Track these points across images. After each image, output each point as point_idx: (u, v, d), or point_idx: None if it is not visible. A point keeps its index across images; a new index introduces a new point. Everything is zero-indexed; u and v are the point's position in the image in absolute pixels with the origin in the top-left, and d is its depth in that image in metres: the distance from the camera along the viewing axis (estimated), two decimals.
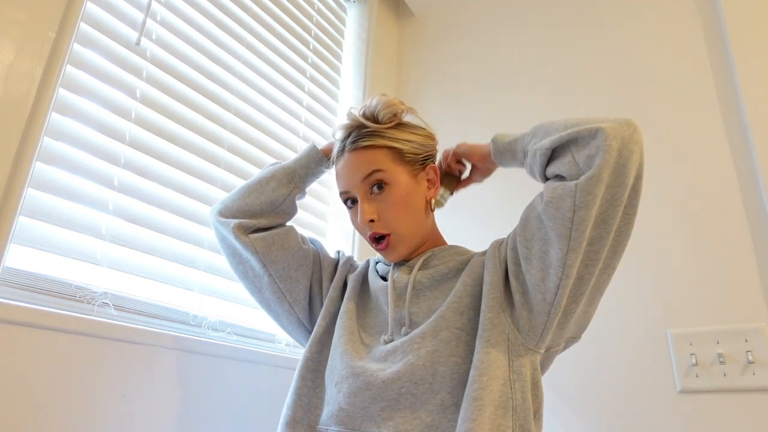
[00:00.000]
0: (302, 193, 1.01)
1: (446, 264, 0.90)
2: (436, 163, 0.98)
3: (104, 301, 0.99)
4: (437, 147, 0.97)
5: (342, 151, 0.91)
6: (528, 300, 0.78)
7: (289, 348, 1.35)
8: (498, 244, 0.87)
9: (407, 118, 0.93)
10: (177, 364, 1.04)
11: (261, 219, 0.96)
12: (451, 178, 1.00)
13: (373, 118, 0.89)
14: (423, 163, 0.92)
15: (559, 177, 0.77)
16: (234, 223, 0.95)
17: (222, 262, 1.24)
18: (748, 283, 1.25)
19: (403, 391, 0.76)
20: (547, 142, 0.76)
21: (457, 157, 0.98)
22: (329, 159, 0.99)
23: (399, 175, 0.88)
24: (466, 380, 0.75)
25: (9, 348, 0.83)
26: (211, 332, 1.17)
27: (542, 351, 0.80)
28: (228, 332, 1.21)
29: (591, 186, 0.70)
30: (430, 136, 0.95)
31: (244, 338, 1.25)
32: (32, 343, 0.85)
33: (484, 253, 0.90)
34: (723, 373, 1.20)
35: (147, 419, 0.98)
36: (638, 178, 0.74)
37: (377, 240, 0.89)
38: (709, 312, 1.27)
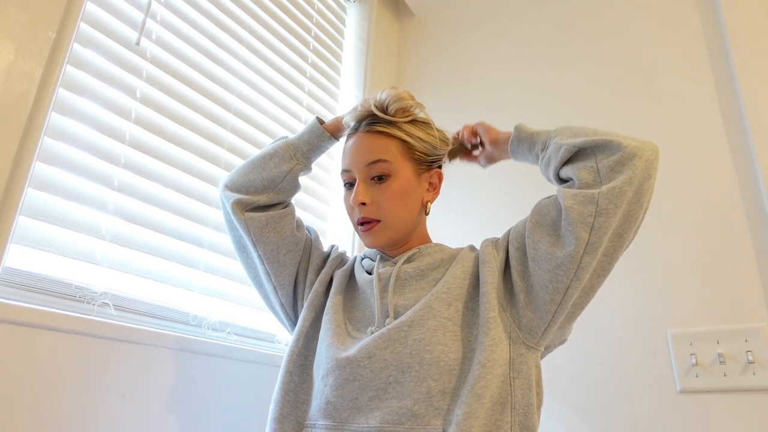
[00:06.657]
0: (307, 168, 1.02)
1: (432, 256, 0.90)
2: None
3: (104, 301, 0.99)
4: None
5: (356, 131, 0.92)
6: (533, 300, 0.79)
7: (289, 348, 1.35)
8: (493, 244, 0.88)
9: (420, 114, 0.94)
10: (177, 364, 1.04)
11: (261, 196, 0.97)
12: (459, 148, 1.01)
13: (383, 110, 0.90)
14: (429, 165, 0.93)
15: (570, 181, 0.80)
16: (234, 198, 0.96)
17: (222, 262, 1.25)
18: (748, 283, 1.25)
19: (391, 380, 0.76)
20: (576, 141, 0.80)
21: (474, 130, 0.99)
22: (332, 135, 1.00)
23: (402, 170, 0.89)
24: (453, 368, 0.76)
25: (9, 348, 0.83)
26: (211, 332, 1.17)
27: (542, 349, 0.81)
28: (228, 332, 1.21)
29: (614, 197, 0.74)
30: (445, 141, 0.95)
31: (243, 338, 1.25)
32: (32, 343, 0.85)
33: (471, 249, 0.91)
34: (723, 373, 1.20)
35: (147, 419, 0.98)
36: (649, 201, 0.78)
37: (362, 223, 0.89)
38: (709, 312, 1.27)
